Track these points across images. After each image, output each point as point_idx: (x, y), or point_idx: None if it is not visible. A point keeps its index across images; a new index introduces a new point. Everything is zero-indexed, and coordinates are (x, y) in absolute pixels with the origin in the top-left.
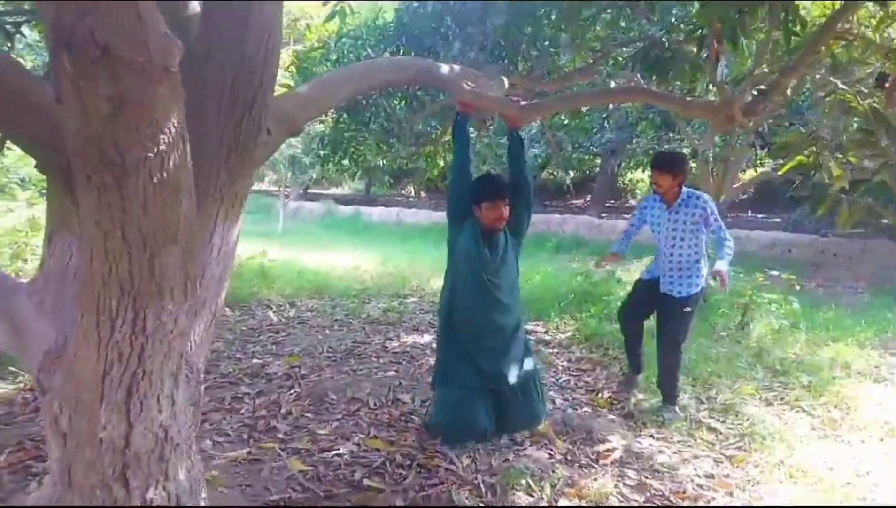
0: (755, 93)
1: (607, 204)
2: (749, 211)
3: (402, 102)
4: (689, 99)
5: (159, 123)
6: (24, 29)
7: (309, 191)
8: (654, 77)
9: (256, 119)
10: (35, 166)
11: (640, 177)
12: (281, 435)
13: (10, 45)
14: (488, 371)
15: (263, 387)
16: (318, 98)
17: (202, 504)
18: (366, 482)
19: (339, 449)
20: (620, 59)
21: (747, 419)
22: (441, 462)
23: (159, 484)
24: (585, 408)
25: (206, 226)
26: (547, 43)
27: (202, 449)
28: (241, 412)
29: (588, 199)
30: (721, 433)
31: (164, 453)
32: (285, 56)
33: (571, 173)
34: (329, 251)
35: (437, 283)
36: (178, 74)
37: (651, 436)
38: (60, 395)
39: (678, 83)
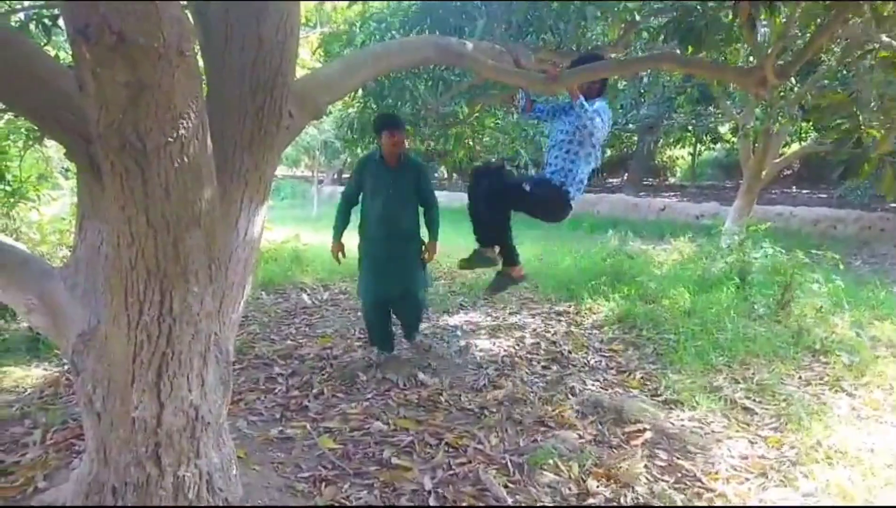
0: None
1: (644, 182)
2: (794, 187)
3: (429, 83)
4: (719, 64)
5: (178, 108)
6: (61, 22)
7: (343, 176)
8: (688, 47)
9: (278, 102)
10: (65, 154)
11: (680, 154)
12: (312, 415)
13: (47, 38)
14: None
15: (296, 368)
16: (340, 80)
17: (234, 481)
18: (394, 460)
19: (368, 428)
20: (652, 30)
21: (784, 400)
22: (469, 441)
23: (191, 462)
24: (617, 389)
25: (232, 210)
26: (575, 16)
27: (237, 428)
28: (275, 391)
29: (624, 177)
30: (757, 413)
31: (195, 431)
32: (313, 39)
33: (606, 152)
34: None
35: None
36: (194, 58)
37: (684, 418)
38: (93, 376)
39: (714, 53)
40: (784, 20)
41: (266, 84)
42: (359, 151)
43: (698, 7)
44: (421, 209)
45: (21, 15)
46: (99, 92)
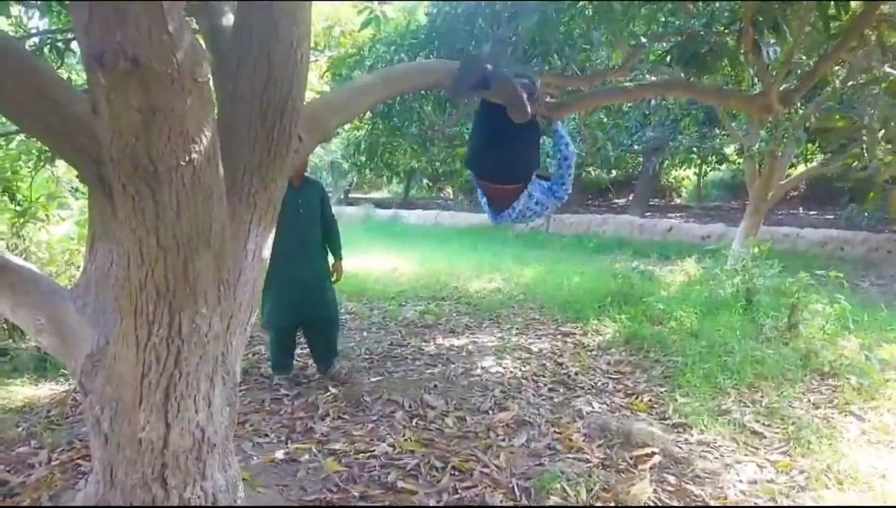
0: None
1: (650, 203)
2: (800, 208)
3: (436, 105)
4: (724, 89)
5: (190, 133)
6: (74, 46)
7: (350, 196)
8: (692, 72)
9: (287, 127)
10: (76, 176)
11: (685, 175)
12: (318, 436)
13: (60, 61)
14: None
15: (302, 389)
16: (348, 103)
17: (239, 503)
18: (400, 483)
19: (374, 451)
20: (657, 54)
21: (793, 423)
22: (475, 464)
23: (197, 484)
24: (624, 412)
25: (241, 232)
26: (580, 40)
27: (242, 450)
28: (280, 413)
29: (630, 198)
30: (766, 436)
31: (201, 453)
32: (322, 63)
33: (612, 173)
34: (368, 255)
35: (475, 285)
36: (207, 84)
37: (693, 441)
38: (101, 396)
39: (719, 77)
40: (787, 47)
41: (276, 109)
42: (367, 172)
43: (702, 32)
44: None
45: (36, 39)
46: (112, 116)
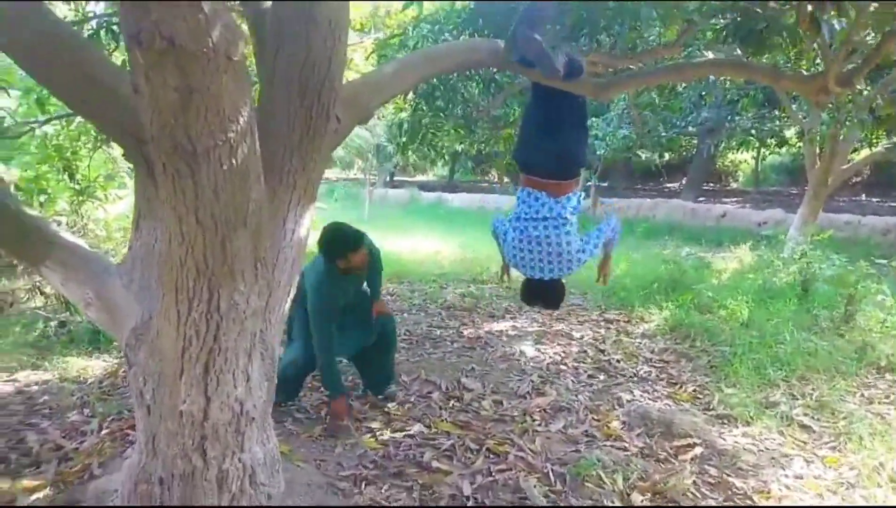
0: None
1: (705, 187)
2: (863, 194)
3: (480, 86)
4: (777, 69)
5: (227, 113)
6: None
7: (395, 179)
8: (749, 50)
9: (325, 107)
10: (122, 155)
11: (743, 158)
12: (356, 413)
13: (116, 43)
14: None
15: (343, 367)
16: (387, 84)
17: (276, 476)
18: (434, 463)
19: (410, 430)
20: (714, 30)
21: (844, 418)
22: (510, 448)
23: (235, 456)
24: (666, 401)
25: (280, 211)
26: (630, 17)
27: (282, 424)
28: (320, 390)
29: (683, 182)
30: (815, 431)
31: (239, 426)
32: (367, 44)
33: (663, 155)
34: (411, 237)
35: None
36: (242, 63)
37: (737, 433)
38: (144, 369)
39: (780, 56)
40: (850, 23)
41: (314, 89)
42: (409, 154)
43: (758, 9)
44: None
45: (93, 23)
46: (151, 96)
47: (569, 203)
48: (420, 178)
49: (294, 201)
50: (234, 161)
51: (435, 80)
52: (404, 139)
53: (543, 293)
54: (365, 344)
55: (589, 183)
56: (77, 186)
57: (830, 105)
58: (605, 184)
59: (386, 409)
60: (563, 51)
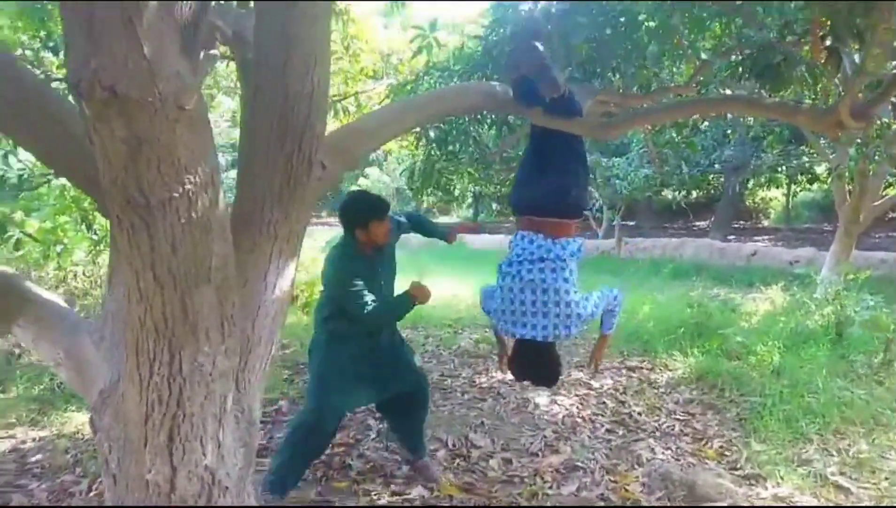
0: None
1: (734, 225)
2: None
3: (492, 128)
4: (788, 104)
5: (183, 163)
6: None
7: None
8: (767, 86)
9: (307, 154)
10: (96, 208)
11: (773, 195)
12: (354, 475)
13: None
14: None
15: (345, 422)
16: (377, 130)
17: None
18: None
19: (409, 493)
20: (727, 69)
21: (886, 478)
22: None
23: None
24: (690, 459)
25: (261, 263)
26: (635, 56)
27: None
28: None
29: (712, 220)
30: (852, 492)
31: (211, 497)
32: (381, 90)
33: (683, 193)
34: (430, 279)
35: None
36: (200, 112)
37: (766, 496)
38: (108, 435)
39: (804, 91)
40: (867, 52)
41: (294, 135)
42: (424, 197)
43: (775, 41)
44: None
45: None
46: (100, 147)
47: (568, 247)
48: (444, 219)
49: (275, 253)
50: (193, 214)
51: (445, 124)
52: (418, 184)
53: (536, 363)
54: (394, 385)
55: (613, 223)
56: (94, 237)
57: (858, 141)
58: (633, 223)
59: (386, 470)
60: (565, 84)
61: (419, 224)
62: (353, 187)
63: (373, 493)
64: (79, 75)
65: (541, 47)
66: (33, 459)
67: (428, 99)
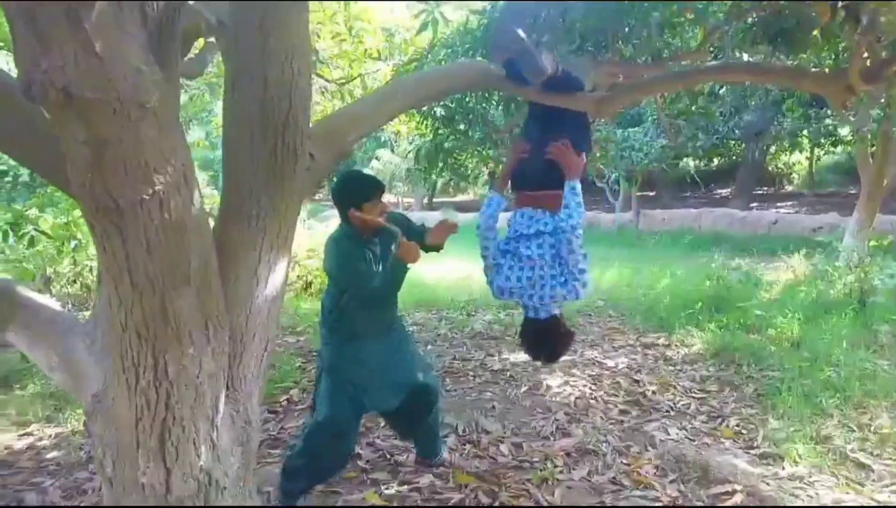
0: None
1: (757, 191)
2: None
3: (499, 106)
4: (794, 69)
5: (151, 164)
6: None
7: (434, 200)
8: (781, 51)
9: (291, 145)
10: (83, 215)
11: (797, 160)
12: (363, 463)
13: None
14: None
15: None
16: (367, 115)
17: None
18: None
19: (418, 482)
20: (740, 34)
21: None
22: (526, 500)
23: None
24: (705, 439)
25: (250, 259)
26: (637, 25)
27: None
28: None
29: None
30: (873, 470)
31: (209, 497)
32: (386, 71)
33: (710, 162)
34: (445, 261)
35: None
36: (167, 109)
37: (783, 475)
38: (102, 439)
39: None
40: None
41: (275, 127)
42: (434, 177)
43: (787, 8)
44: None
45: None
46: (65, 150)
47: (569, 220)
48: (461, 198)
49: (265, 248)
50: (166, 215)
51: (452, 103)
52: (424, 165)
53: (539, 339)
54: (411, 377)
55: (630, 194)
56: None
57: (882, 100)
58: (653, 194)
59: (395, 459)
60: (558, 61)
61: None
62: (367, 170)
63: (381, 483)
64: (30, 78)
65: (522, 33)
66: (49, 456)
67: (420, 79)
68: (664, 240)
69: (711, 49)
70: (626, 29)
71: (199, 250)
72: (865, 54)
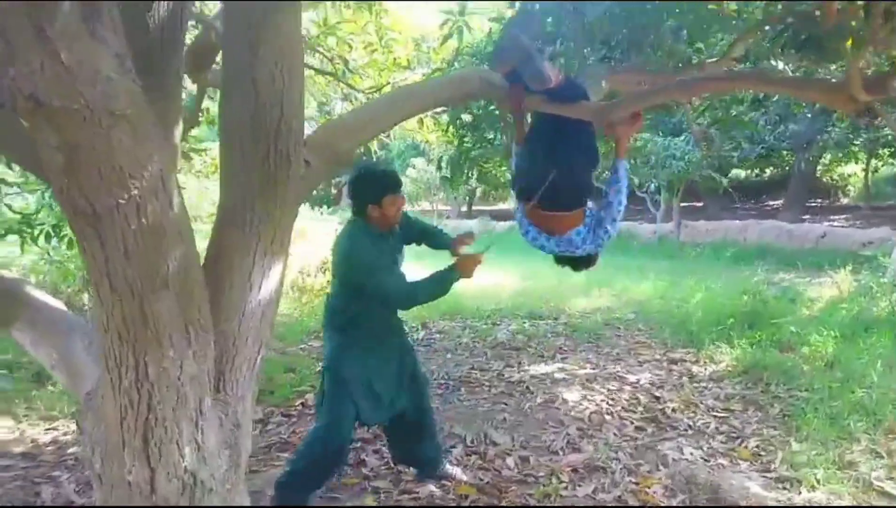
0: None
1: (810, 204)
2: None
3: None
4: (801, 79)
5: (126, 170)
6: None
7: (472, 207)
8: (810, 59)
9: (284, 151)
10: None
11: (852, 171)
12: (367, 471)
13: None
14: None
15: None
16: (365, 124)
17: None
18: None
19: (418, 492)
20: (768, 42)
21: None
22: None
23: None
24: (721, 460)
25: (245, 264)
26: (652, 33)
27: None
28: None
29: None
30: None
31: (194, 497)
32: (415, 78)
33: (762, 172)
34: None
35: (580, 303)
36: (141, 116)
37: (799, 501)
38: (92, 437)
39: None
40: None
41: (268, 133)
42: (461, 186)
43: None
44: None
45: None
46: (41, 155)
47: (578, 237)
48: (501, 206)
49: (260, 252)
50: (143, 220)
51: (479, 110)
52: (447, 173)
53: (577, 261)
54: (409, 400)
55: (669, 204)
56: None
57: None
58: (700, 204)
59: (399, 468)
60: (560, 69)
61: (424, 232)
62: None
63: (382, 491)
64: None
65: (525, 40)
66: (70, 451)
67: (421, 89)
68: (706, 252)
69: (737, 58)
70: (651, 36)
71: (179, 254)
72: (862, 63)
